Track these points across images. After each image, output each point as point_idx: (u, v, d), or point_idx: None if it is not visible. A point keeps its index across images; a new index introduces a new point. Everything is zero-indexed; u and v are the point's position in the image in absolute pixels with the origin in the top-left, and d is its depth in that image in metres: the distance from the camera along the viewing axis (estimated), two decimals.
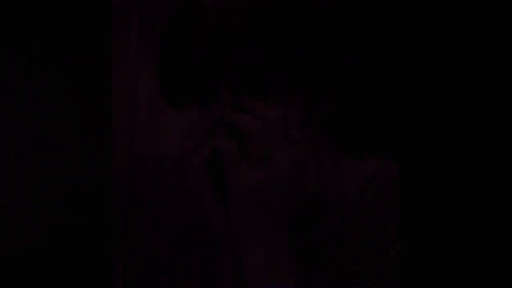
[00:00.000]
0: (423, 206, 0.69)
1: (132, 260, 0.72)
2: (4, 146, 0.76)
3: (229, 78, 0.65)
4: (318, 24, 0.67)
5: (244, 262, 0.67)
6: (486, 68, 0.68)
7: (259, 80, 0.65)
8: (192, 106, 0.70)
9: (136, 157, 0.73)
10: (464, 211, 0.68)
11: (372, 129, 0.70)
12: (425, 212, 0.69)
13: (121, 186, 0.73)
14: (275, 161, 0.65)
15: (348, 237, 0.73)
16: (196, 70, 0.65)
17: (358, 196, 0.74)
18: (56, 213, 0.74)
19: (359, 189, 0.75)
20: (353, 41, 0.68)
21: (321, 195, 0.71)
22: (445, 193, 0.68)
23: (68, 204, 0.74)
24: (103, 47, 0.74)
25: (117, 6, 0.73)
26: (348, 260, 0.72)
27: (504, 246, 0.66)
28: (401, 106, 0.69)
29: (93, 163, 0.74)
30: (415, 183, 0.68)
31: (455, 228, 0.68)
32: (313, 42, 0.66)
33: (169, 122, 0.71)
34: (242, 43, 0.63)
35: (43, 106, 0.76)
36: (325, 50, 0.66)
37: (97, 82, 0.75)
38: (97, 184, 0.73)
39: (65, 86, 0.75)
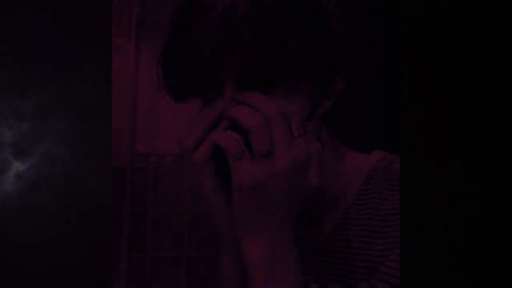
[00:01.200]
0: (424, 200, 0.69)
1: (134, 257, 0.71)
2: (5, 146, 0.75)
3: (232, 74, 0.65)
4: (320, 20, 0.67)
5: (247, 259, 0.66)
6: (485, 65, 0.69)
7: (262, 76, 0.65)
8: (194, 102, 0.70)
9: (137, 155, 0.72)
10: (465, 205, 0.68)
11: (374, 124, 0.70)
12: (426, 206, 0.69)
13: (123, 183, 0.73)
14: (278, 157, 0.64)
15: (351, 232, 0.73)
16: (199, 66, 0.65)
17: (360, 190, 0.74)
18: (58, 212, 0.74)
19: (361, 183, 0.75)
20: (357, 37, 0.69)
21: (324, 189, 0.71)
22: (447, 188, 0.69)
23: (69, 203, 0.74)
24: (103, 47, 0.74)
25: (118, 3, 0.73)
26: (351, 255, 0.72)
27: (505, 244, 0.67)
28: (403, 102, 0.69)
29: (94, 162, 0.74)
30: (416, 177, 0.69)
31: (456, 223, 0.68)
32: (316, 38, 0.66)
33: (170, 119, 0.71)
34: (245, 39, 0.63)
35: (43, 105, 0.75)
36: (328, 46, 0.66)
37: (97, 82, 0.75)
38: (99, 182, 0.73)
39: (65, 86, 0.75)
